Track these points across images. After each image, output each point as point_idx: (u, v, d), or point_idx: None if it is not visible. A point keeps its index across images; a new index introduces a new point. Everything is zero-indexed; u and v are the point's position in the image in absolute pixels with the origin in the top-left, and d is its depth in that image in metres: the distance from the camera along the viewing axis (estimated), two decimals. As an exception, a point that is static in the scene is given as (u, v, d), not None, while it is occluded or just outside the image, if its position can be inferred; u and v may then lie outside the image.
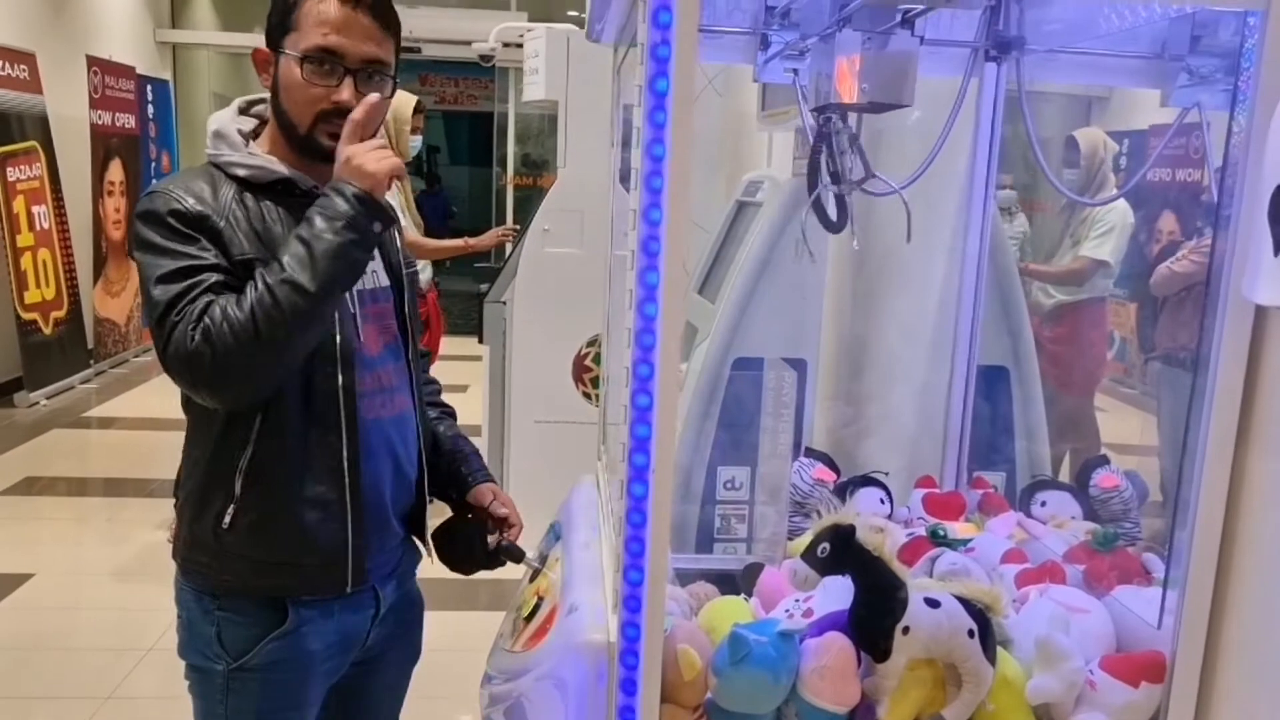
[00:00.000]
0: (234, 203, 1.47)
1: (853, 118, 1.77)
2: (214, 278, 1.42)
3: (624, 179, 1.67)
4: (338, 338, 1.51)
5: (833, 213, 1.86)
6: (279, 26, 1.49)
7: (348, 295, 1.54)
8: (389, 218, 1.48)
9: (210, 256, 1.43)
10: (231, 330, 1.37)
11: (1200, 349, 1.38)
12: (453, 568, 1.72)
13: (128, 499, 4.94)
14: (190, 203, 1.44)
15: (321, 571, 1.53)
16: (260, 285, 1.39)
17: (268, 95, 1.55)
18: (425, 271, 4.16)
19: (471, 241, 4.30)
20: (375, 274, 1.62)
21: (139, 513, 4.69)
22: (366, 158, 1.43)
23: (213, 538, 1.50)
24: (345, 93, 1.48)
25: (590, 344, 4.22)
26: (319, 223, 1.41)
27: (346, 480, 1.52)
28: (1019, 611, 1.58)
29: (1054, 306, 4.04)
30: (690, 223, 1.28)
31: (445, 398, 1.89)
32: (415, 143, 4.03)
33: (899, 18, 1.52)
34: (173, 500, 1.60)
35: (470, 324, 4.64)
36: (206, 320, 1.38)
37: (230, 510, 1.49)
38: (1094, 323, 4.09)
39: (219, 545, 1.50)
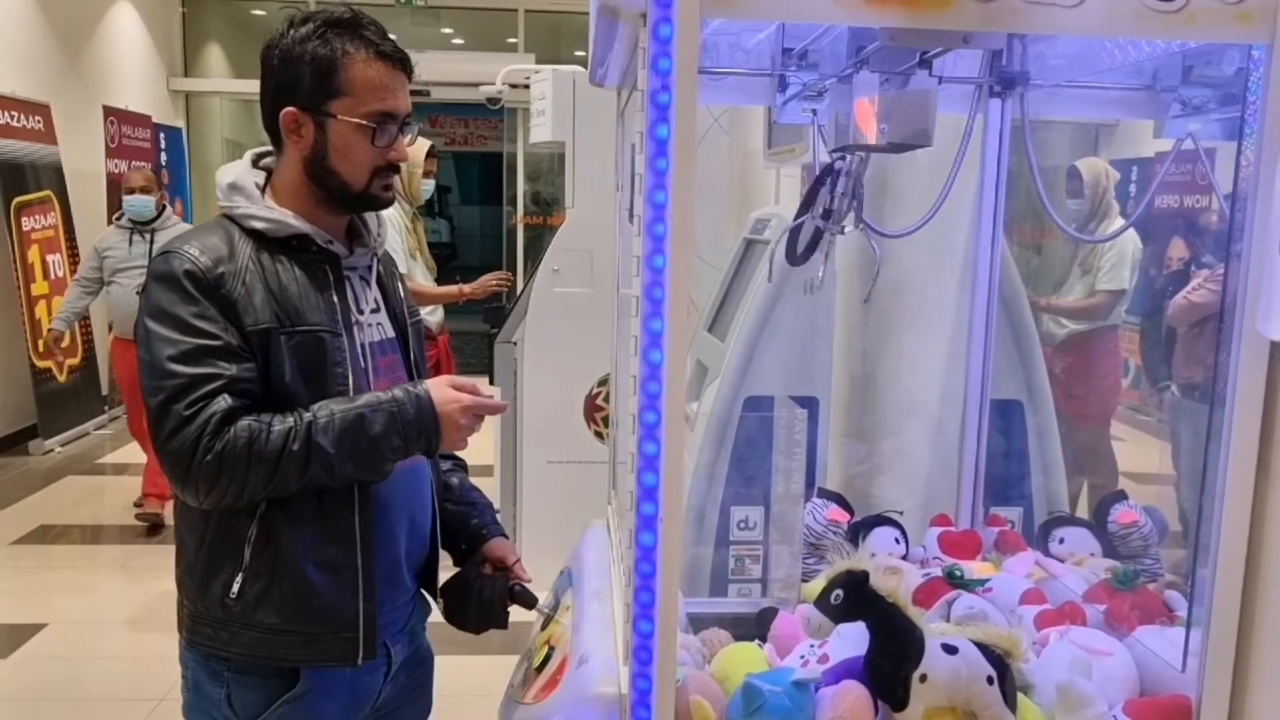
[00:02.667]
0: (251, 260, 1.46)
1: (861, 163, 1.77)
2: (230, 371, 1.40)
3: (631, 219, 1.68)
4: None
5: (803, 245, 1.86)
6: (318, 90, 1.46)
7: (360, 350, 1.54)
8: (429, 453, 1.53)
9: (223, 334, 1.41)
10: (250, 461, 1.38)
11: (1216, 384, 1.36)
12: (462, 625, 1.68)
13: (142, 546, 4.93)
14: (205, 263, 1.43)
15: (333, 639, 1.50)
16: (299, 442, 1.40)
17: (272, 149, 1.55)
18: (435, 314, 4.17)
19: (466, 289, 4.26)
20: (381, 325, 1.61)
21: (153, 560, 4.68)
22: (463, 434, 1.50)
23: (220, 609, 1.47)
24: (401, 148, 1.53)
25: (602, 383, 4.21)
26: (388, 431, 1.44)
27: (359, 544, 1.50)
28: (1039, 655, 1.55)
29: (1066, 336, 4.01)
30: (694, 268, 1.27)
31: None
32: (427, 186, 4.06)
33: (917, 59, 1.52)
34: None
35: (482, 364, 4.65)
36: (228, 439, 1.38)
37: (239, 579, 1.46)
38: (1108, 351, 4.05)
39: (227, 615, 1.47)
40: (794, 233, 1.89)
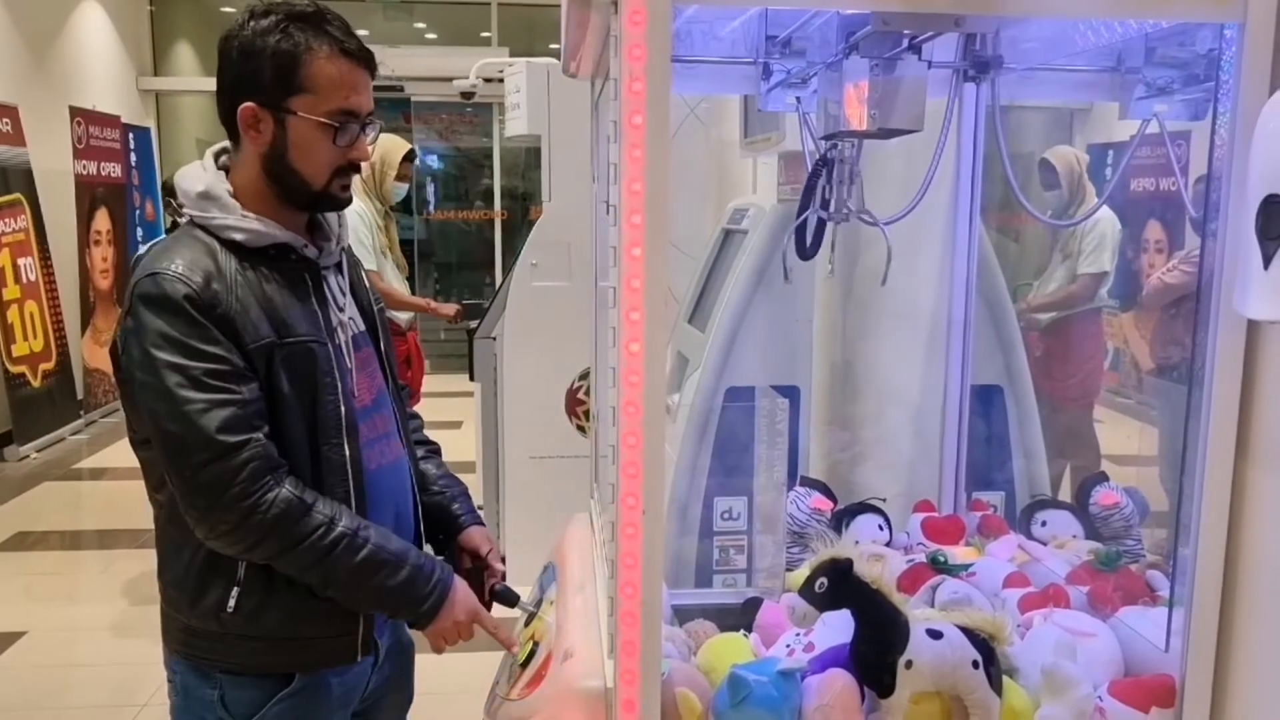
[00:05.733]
0: (238, 275, 1.42)
1: (855, 149, 1.76)
2: (241, 394, 1.38)
3: (608, 210, 1.66)
4: (343, 408, 1.48)
5: (810, 238, 1.85)
6: (279, 86, 1.42)
7: (345, 351, 1.52)
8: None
9: (232, 356, 1.38)
10: (272, 533, 1.39)
11: (1194, 364, 1.36)
12: None
13: (121, 550, 4.88)
14: (198, 283, 1.38)
15: (332, 641, 1.50)
16: (328, 540, 1.41)
17: (229, 146, 1.52)
18: (407, 311, 4.16)
19: (434, 305, 4.36)
20: (354, 320, 1.59)
21: (133, 564, 4.63)
22: (446, 636, 1.55)
23: (215, 623, 1.46)
24: (363, 147, 1.49)
25: (582, 377, 4.20)
26: (399, 591, 1.46)
27: None
28: (1024, 638, 1.55)
29: (1050, 321, 4.03)
30: (672, 259, 1.26)
31: (439, 435, 1.86)
32: (400, 189, 4.02)
33: (906, 44, 1.51)
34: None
35: (461, 360, 4.64)
36: (265, 501, 1.38)
37: (235, 593, 1.44)
38: (1090, 334, 4.07)
39: (223, 629, 1.46)
40: (799, 229, 1.88)
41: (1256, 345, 1.31)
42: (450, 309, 4.42)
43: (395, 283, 4.03)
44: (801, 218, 1.87)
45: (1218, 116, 1.31)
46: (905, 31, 1.49)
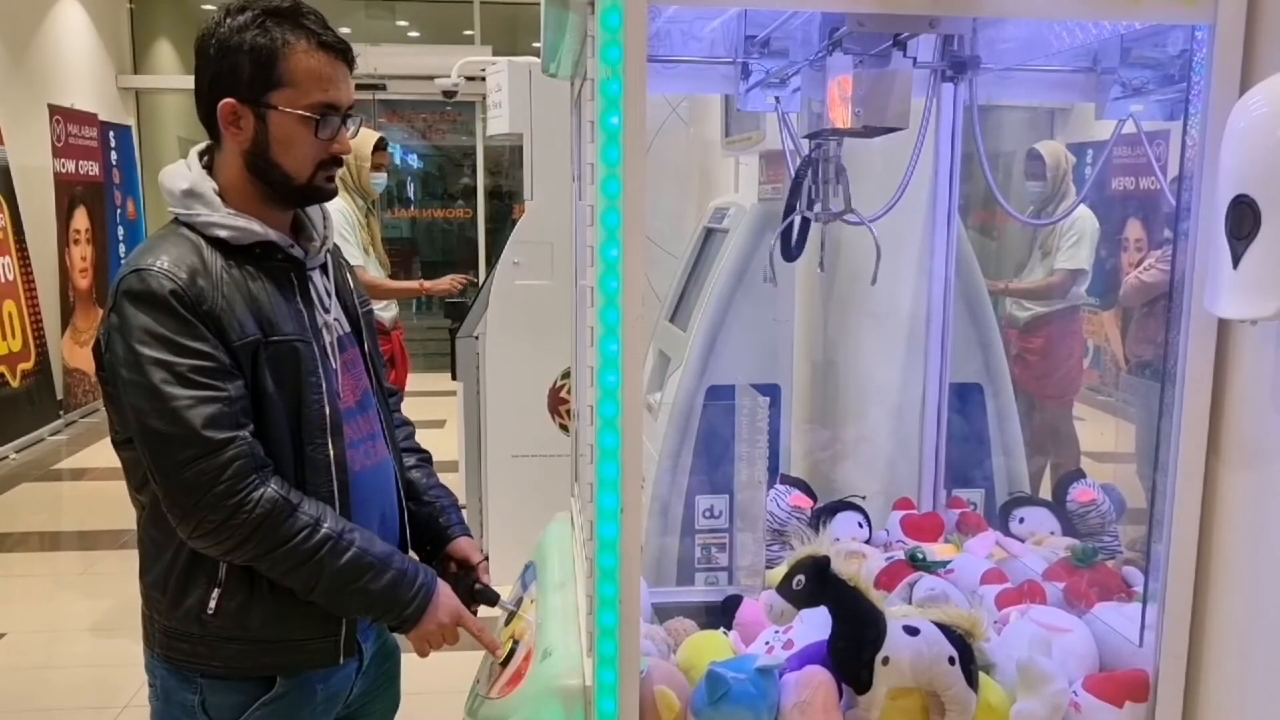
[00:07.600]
0: (224, 272, 1.42)
1: (838, 147, 1.77)
2: (228, 391, 1.38)
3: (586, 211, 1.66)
4: (327, 408, 1.48)
5: (795, 238, 1.86)
6: (259, 80, 1.42)
7: (330, 352, 1.52)
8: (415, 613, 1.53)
9: (218, 353, 1.38)
10: (256, 533, 1.38)
11: (1167, 362, 1.38)
12: None
13: (102, 551, 4.85)
14: (184, 279, 1.38)
15: (316, 643, 1.50)
16: (313, 541, 1.40)
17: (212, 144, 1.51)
18: (390, 309, 4.13)
19: (426, 284, 4.31)
20: (339, 321, 1.59)
21: (114, 565, 4.61)
22: (431, 640, 1.53)
23: (197, 625, 1.45)
24: (344, 140, 1.50)
25: (565, 376, 4.20)
26: (382, 594, 1.46)
27: None
28: (1000, 634, 1.56)
29: (1030, 319, 4.05)
30: (653, 257, 1.27)
31: (422, 434, 1.86)
32: (379, 180, 4.00)
33: (890, 41, 1.51)
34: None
35: (443, 359, 4.63)
36: (250, 502, 1.37)
37: (216, 593, 1.44)
38: (1070, 333, 4.10)
39: (204, 630, 1.45)
40: (785, 231, 1.88)
41: (1227, 344, 1.32)
42: (445, 283, 4.33)
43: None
44: (787, 221, 1.87)
45: (1189, 117, 1.32)
46: (883, 31, 1.50)
